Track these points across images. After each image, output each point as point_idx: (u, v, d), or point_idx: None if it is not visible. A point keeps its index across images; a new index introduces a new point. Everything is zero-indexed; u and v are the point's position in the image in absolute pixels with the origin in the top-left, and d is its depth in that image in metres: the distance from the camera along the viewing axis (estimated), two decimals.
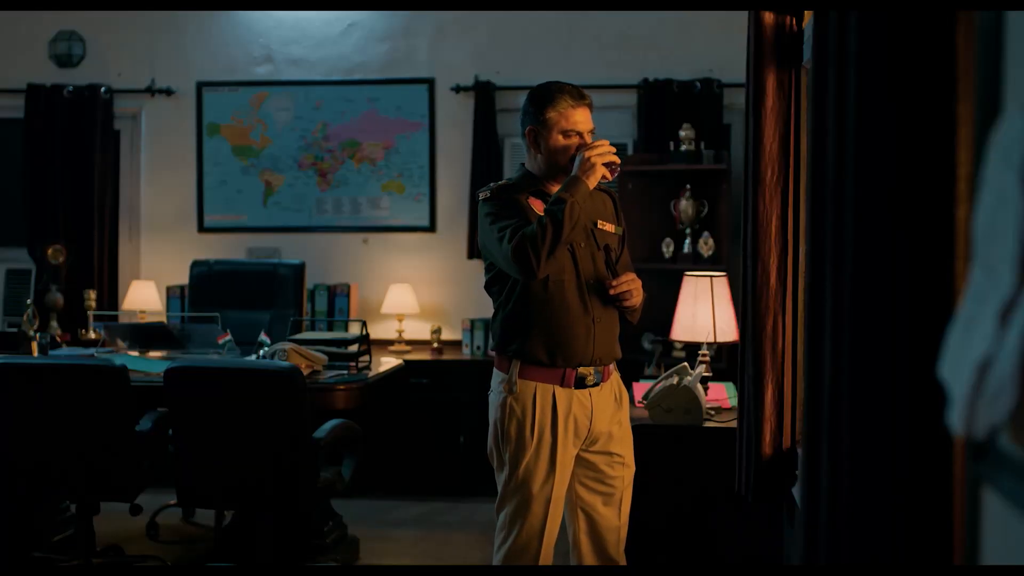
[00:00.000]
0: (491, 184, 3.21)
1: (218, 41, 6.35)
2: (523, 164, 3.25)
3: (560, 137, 3.12)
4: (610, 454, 3.18)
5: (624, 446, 3.22)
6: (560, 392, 3.11)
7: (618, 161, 3.11)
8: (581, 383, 3.12)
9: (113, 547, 4.66)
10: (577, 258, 3.13)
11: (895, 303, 1.41)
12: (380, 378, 4.73)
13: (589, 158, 3.05)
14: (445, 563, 4.83)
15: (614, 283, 3.14)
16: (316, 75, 6.31)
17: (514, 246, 2.98)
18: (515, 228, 3.02)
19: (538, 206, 3.14)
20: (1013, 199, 0.96)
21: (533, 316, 3.09)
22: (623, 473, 3.21)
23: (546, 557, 3.14)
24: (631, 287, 3.15)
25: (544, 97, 3.15)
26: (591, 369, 3.14)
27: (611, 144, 3.13)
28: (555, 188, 3.16)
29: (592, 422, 3.14)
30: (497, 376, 3.18)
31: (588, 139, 3.15)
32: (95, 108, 6.29)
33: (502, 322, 3.14)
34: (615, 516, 3.20)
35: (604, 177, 3.09)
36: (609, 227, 3.24)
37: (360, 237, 6.35)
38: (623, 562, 3.24)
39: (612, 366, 3.23)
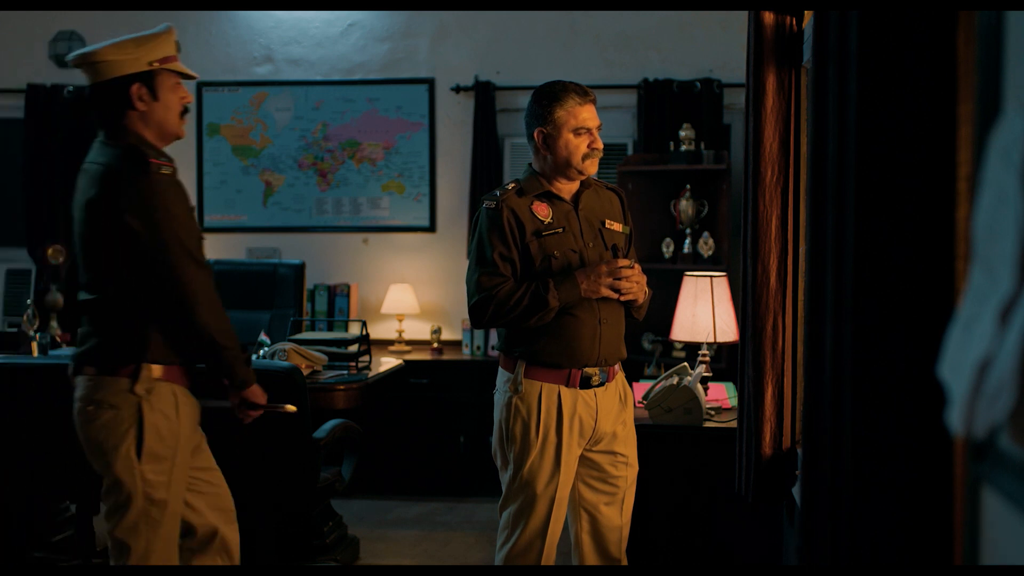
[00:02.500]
0: (496, 191, 3.19)
1: (218, 41, 6.35)
2: (530, 164, 3.24)
3: (571, 136, 3.12)
4: (614, 453, 3.18)
5: (628, 446, 3.22)
6: (565, 392, 3.11)
7: (632, 294, 3.11)
8: (586, 383, 3.12)
9: None
10: (585, 259, 3.13)
11: (895, 303, 1.41)
12: (380, 378, 4.73)
13: (599, 282, 3.07)
14: (445, 563, 4.83)
15: (621, 264, 3.10)
16: (316, 75, 6.31)
17: (478, 301, 3.08)
18: (489, 277, 3.07)
19: (542, 211, 3.14)
20: (1013, 199, 0.96)
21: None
22: (626, 473, 3.21)
23: (548, 557, 3.14)
24: (634, 276, 3.11)
25: (550, 97, 3.14)
26: (596, 369, 3.13)
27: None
28: (563, 186, 3.17)
29: (597, 422, 3.14)
30: (502, 376, 3.18)
31: (596, 135, 3.15)
32: None
33: (539, 319, 3.14)
34: (617, 516, 3.20)
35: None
36: (617, 226, 3.23)
37: (360, 237, 6.35)
38: (625, 562, 3.24)
39: (617, 366, 3.22)
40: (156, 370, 2.85)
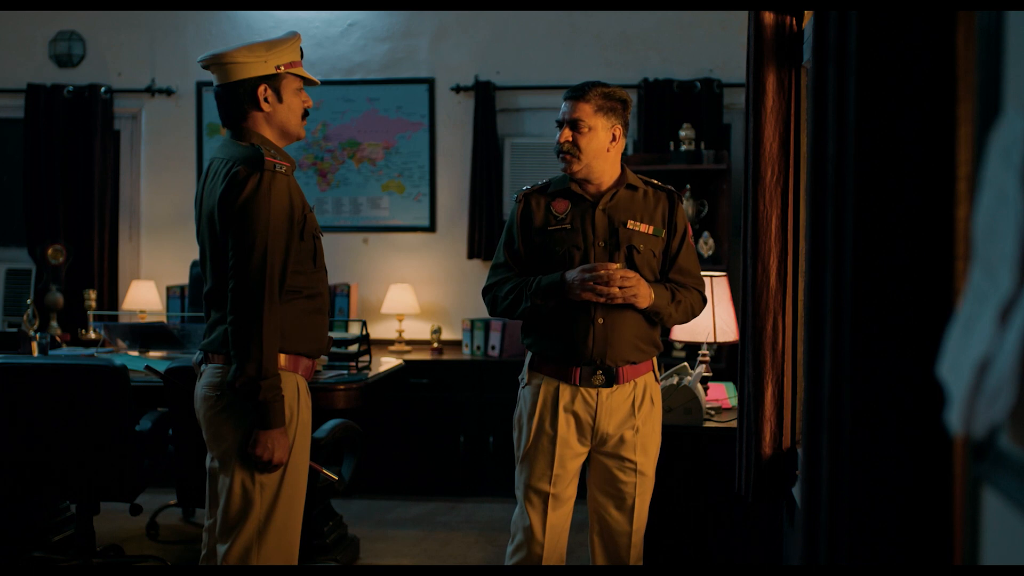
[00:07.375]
0: (525, 187, 3.29)
1: (218, 41, 6.35)
2: None
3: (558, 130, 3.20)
4: (621, 458, 3.16)
5: (640, 453, 3.16)
6: (564, 388, 3.13)
7: (618, 298, 3.06)
8: (588, 382, 3.12)
9: (113, 547, 4.66)
10: (590, 258, 3.12)
11: (895, 303, 1.41)
12: (380, 378, 4.73)
13: (580, 285, 3.05)
14: (445, 563, 4.83)
15: (602, 268, 3.05)
16: (316, 75, 6.28)
17: (484, 289, 3.27)
18: (497, 268, 3.24)
19: (559, 207, 3.18)
20: (1013, 199, 0.96)
21: (540, 311, 3.14)
22: (635, 480, 3.16)
23: (550, 555, 3.14)
24: (617, 280, 3.04)
25: None
26: (598, 369, 3.13)
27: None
28: (591, 185, 3.19)
29: (597, 421, 3.13)
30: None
31: (566, 130, 3.15)
32: (95, 108, 6.29)
33: (522, 314, 3.22)
34: (626, 521, 3.18)
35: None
36: (642, 227, 3.16)
37: (360, 237, 6.35)
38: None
39: (638, 369, 3.16)
40: (281, 359, 2.86)
